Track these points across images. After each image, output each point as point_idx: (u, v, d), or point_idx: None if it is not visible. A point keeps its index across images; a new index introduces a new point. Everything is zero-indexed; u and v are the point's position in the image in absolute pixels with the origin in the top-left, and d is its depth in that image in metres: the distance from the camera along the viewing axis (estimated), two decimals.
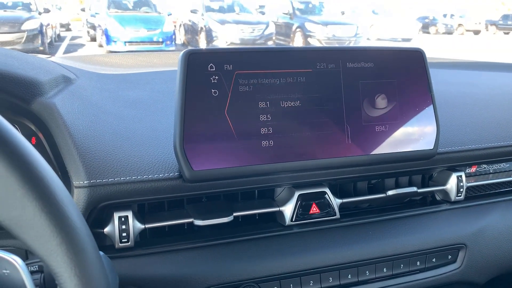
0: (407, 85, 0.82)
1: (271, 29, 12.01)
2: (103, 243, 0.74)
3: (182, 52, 0.70)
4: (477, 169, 1.00)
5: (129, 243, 0.72)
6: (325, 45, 11.26)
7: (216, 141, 0.70)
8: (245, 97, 0.72)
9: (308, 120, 0.75)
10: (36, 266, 0.57)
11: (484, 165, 1.01)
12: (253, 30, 11.62)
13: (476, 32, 24.87)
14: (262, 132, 0.72)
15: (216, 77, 0.70)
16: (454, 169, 0.95)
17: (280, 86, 0.74)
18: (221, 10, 12.64)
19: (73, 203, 0.44)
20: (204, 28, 11.80)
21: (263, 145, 0.72)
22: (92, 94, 0.85)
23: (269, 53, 0.75)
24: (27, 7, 10.51)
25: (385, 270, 0.84)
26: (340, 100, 0.77)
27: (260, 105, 0.72)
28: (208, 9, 12.47)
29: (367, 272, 0.83)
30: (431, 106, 0.83)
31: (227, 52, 0.72)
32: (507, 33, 24.28)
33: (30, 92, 0.72)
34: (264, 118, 0.73)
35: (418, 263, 0.86)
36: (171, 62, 1.22)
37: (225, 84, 0.71)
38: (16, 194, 0.40)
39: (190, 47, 0.79)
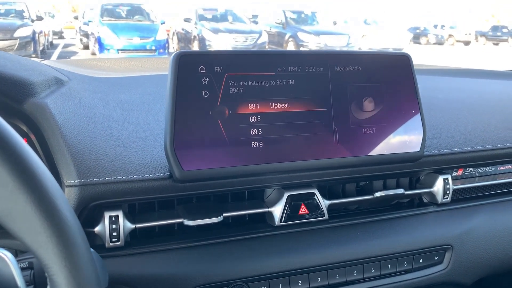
0: (394, 88, 0.84)
1: (264, 38, 12.12)
2: (94, 242, 0.74)
3: (173, 53, 0.71)
4: (464, 172, 1.02)
5: (119, 242, 0.73)
6: None
7: (206, 142, 0.71)
8: (235, 98, 0.73)
9: (297, 122, 0.76)
10: (26, 263, 0.58)
11: (470, 169, 1.03)
12: (246, 39, 11.70)
13: (466, 43, 25.19)
14: (252, 133, 0.73)
15: (207, 79, 0.72)
16: (441, 172, 0.97)
17: (270, 88, 0.75)
18: (214, 19, 12.73)
19: (63, 197, 0.45)
20: (197, 37, 11.87)
21: (253, 146, 0.73)
22: (84, 96, 0.86)
23: (259, 56, 0.76)
24: (20, 14, 10.51)
25: (372, 270, 0.85)
26: (328, 102, 0.79)
27: (250, 107, 0.74)
28: (202, 18, 12.56)
29: (355, 272, 0.84)
30: (418, 110, 0.85)
31: (218, 54, 0.74)
32: (497, 44, 24.63)
33: (22, 92, 0.73)
34: (254, 120, 0.74)
35: (405, 263, 0.88)
36: (163, 67, 1.24)
37: (216, 86, 0.72)
38: (7, 187, 0.40)
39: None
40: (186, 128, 0.70)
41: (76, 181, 0.68)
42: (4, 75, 0.71)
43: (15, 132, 0.44)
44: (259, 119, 0.74)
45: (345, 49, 12.35)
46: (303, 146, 0.76)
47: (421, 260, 0.89)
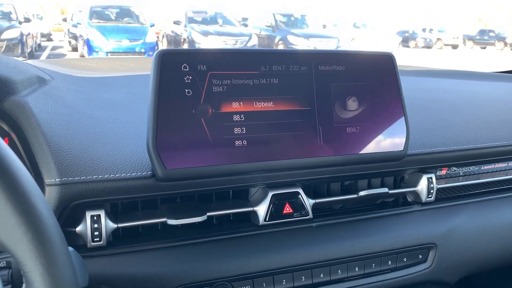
0: (377, 88, 0.84)
1: (254, 41, 12.14)
2: (76, 242, 0.73)
3: (155, 52, 0.71)
4: (447, 171, 1.03)
5: (101, 242, 0.72)
6: None
7: (189, 140, 0.70)
8: (218, 97, 0.73)
9: (281, 121, 0.76)
10: (4, 262, 0.57)
11: (454, 168, 1.03)
12: (236, 41, 11.72)
13: (454, 47, 25.48)
14: (236, 132, 0.73)
15: (190, 77, 0.71)
16: (425, 171, 0.97)
17: (254, 87, 0.75)
18: (204, 21, 12.73)
19: (40, 193, 0.45)
20: (187, 39, 11.86)
21: (237, 144, 0.73)
22: (66, 95, 0.86)
23: (242, 54, 0.76)
24: (7, 16, 10.42)
25: (357, 269, 0.85)
26: (312, 101, 0.79)
27: (234, 105, 0.74)
28: (191, 20, 12.56)
29: (339, 271, 0.84)
30: (401, 109, 0.85)
31: (201, 52, 0.73)
32: (484, 48, 24.95)
33: (2, 91, 0.72)
34: (238, 118, 0.74)
35: (389, 262, 0.88)
36: (148, 67, 1.22)
37: (199, 84, 0.72)
38: None
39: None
40: (168, 126, 0.69)
41: (57, 180, 0.68)
42: None
43: None
44: (242, 118, 0.74)
45: None
46: (287, 145, 0.76)
47: (405, 259, 0.90)
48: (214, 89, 0.73)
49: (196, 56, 0.72)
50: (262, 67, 0.76)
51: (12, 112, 0.73)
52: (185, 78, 0.71)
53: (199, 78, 0.72)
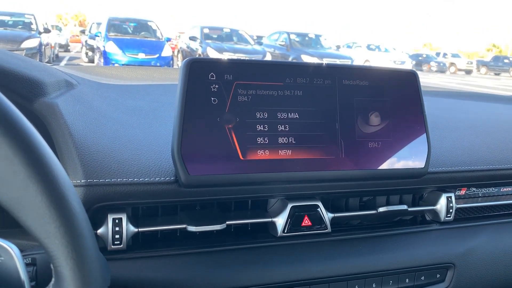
0: (400, 104, 0.84)
1: (267, 59, 12.23)
2: None
3: (184, 60, 0.72)
4: (467, 192, 1.02)
5: (122, 245, 0.73)
6: None
7: (213, 148, 0.71)
8: (243, 106, 0.74)
9: (303, 133, 0.77)
10: (29, 259, 0.57)
11: (473, 188, 1.03)
12: (250, 59, 11.80)
13: (468, 72, 25.44)
14: (258, 141, 0.74)
15: (216, 86, 0.73)
16: (444, 190, 0.97)
17: (278, 98, 0.76)
18: (219, 38, 12.91)
19: (73, 189, 0.46)
20: (202, 55, 11.99)
21: (259, 154, 0.74)
22: (93, 99, 0.87)
23: (268, 66, 0.77)
24: (27, 26, 10.67)
25: (374, 285, 0.84)
26: (335, 115, 0.79)
27: (258, 115, 0.74)
28: (207, 36, 12.74)
29: (356, 286, 0.83)
30: (423, 126, 0.85)
31: (228, 62, 0.75)
32: (498, 74, 24.87)
33: (34, 92, 0.74)
34: (261, 128, 0.74)
35: (407, 280, 0.87)
36: (171, 77, 1.25)
37: (225, 93, 0.73)
38: (19, 175, 0.41)
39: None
40: (193, 133, 0.70)
41: (82, 181, 0.69)
42: (16, 73, 0.72)
43: (29, 123, 0.44)
44: (266, 128, 0.75)
45: None
46: (308, 157, 0.77)
47: (423, 278, 0.89)
48: (239, 99, 0.74)
49: (223, 66, 0.74)
50: (287, 79, 0.77)
51: (42, 113, 0.74)
52: (211, 86, 0.72)
53: (225, 87, 0.73)
